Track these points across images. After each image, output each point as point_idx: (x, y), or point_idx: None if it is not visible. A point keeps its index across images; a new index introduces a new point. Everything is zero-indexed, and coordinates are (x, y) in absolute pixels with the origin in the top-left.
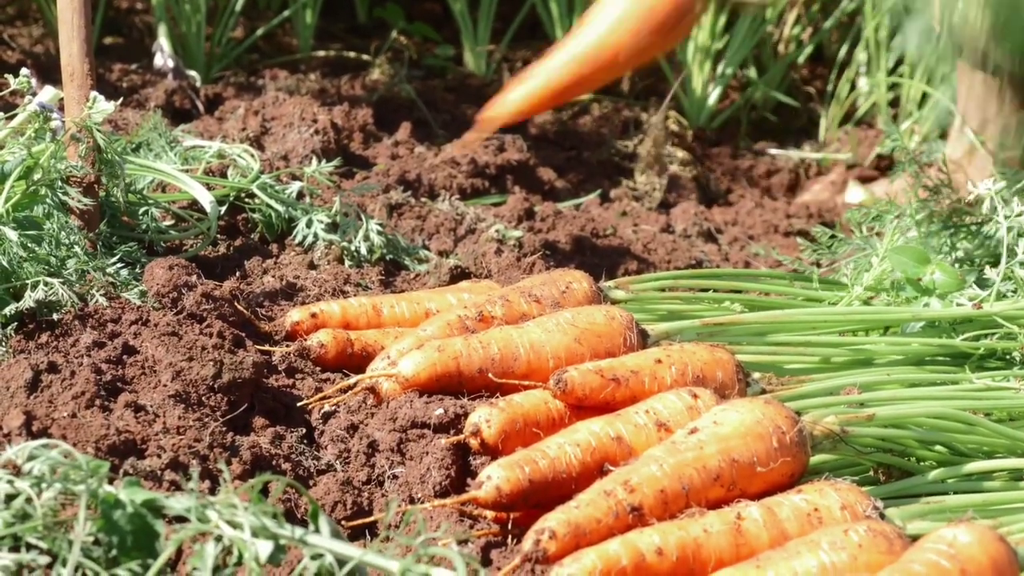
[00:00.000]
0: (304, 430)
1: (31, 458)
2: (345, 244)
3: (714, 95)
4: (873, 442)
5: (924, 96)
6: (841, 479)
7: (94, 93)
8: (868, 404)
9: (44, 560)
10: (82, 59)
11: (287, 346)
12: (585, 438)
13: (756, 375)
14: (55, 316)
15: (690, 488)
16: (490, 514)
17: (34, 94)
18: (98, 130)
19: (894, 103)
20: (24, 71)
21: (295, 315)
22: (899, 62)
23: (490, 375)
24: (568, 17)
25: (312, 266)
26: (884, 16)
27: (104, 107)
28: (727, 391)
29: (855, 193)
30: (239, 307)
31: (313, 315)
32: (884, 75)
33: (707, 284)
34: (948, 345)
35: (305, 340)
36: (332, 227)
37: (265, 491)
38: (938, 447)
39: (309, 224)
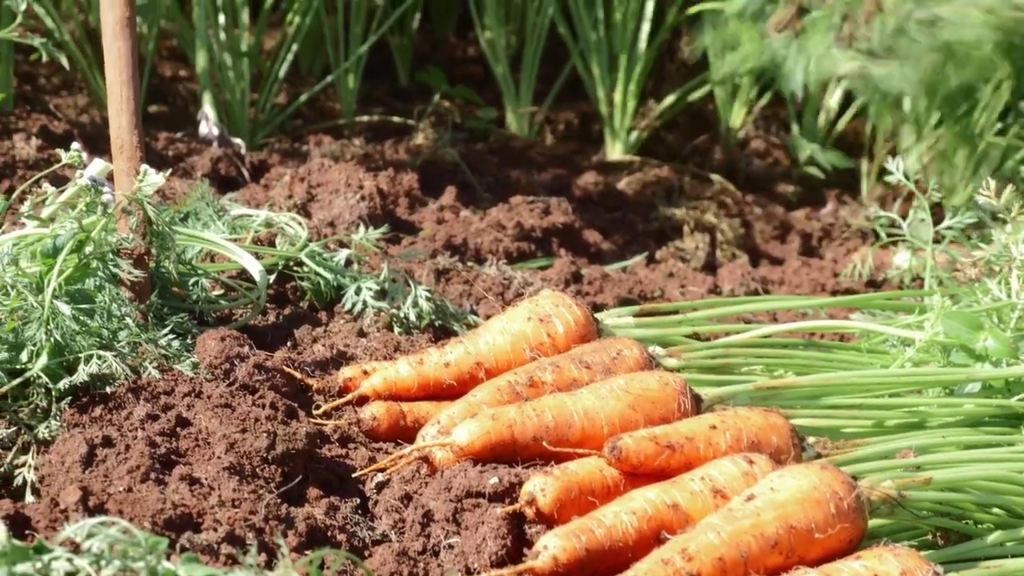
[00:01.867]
0: (358, 500)
1: (90, 535)
2: (394, 311)
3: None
4: (931, 506)
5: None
6: (899, 544)
7: (144, 166)
8: (924, 467)
9: None
10: (131, 132)
11: (340, 417)
12: (641, 506)
13: (811, 439)
14: (108, 389)
15: (748, 556)
16: None
17: (84, 167)
18: (148, 202)
19: None
20: (75, 145)
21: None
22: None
23: (544, 443)
24: (609, 76)
25: (362, 334)
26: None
27: (154, 180)
28: (782, 456)
29: (903, 256)
30: (289, 369)
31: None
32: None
33: (759, 352)
34: (1003, 406)
35: (358, 413)
36: (381, 294)
37: (321, 563)
38: (996, 510)
39: (358, 291)
